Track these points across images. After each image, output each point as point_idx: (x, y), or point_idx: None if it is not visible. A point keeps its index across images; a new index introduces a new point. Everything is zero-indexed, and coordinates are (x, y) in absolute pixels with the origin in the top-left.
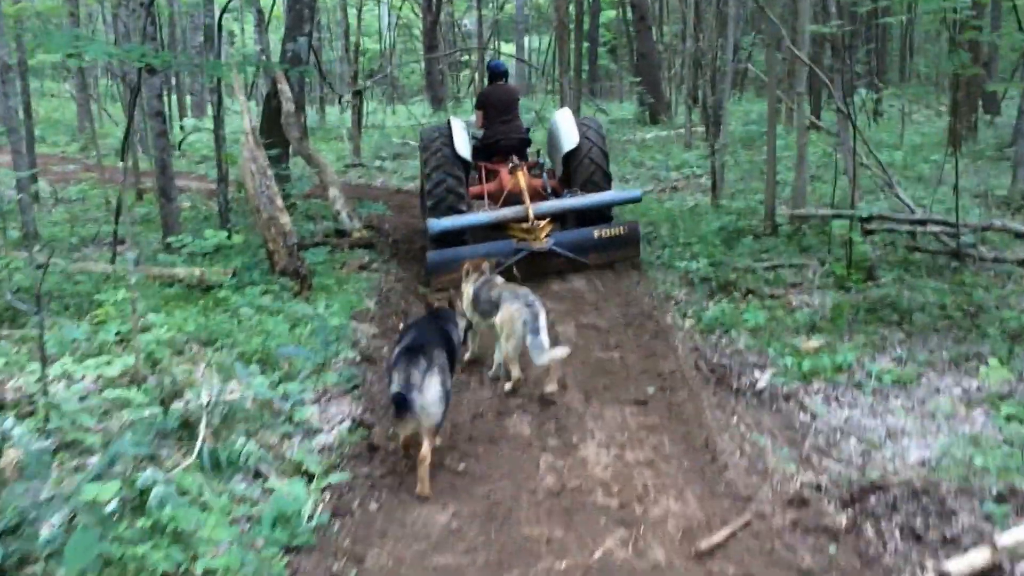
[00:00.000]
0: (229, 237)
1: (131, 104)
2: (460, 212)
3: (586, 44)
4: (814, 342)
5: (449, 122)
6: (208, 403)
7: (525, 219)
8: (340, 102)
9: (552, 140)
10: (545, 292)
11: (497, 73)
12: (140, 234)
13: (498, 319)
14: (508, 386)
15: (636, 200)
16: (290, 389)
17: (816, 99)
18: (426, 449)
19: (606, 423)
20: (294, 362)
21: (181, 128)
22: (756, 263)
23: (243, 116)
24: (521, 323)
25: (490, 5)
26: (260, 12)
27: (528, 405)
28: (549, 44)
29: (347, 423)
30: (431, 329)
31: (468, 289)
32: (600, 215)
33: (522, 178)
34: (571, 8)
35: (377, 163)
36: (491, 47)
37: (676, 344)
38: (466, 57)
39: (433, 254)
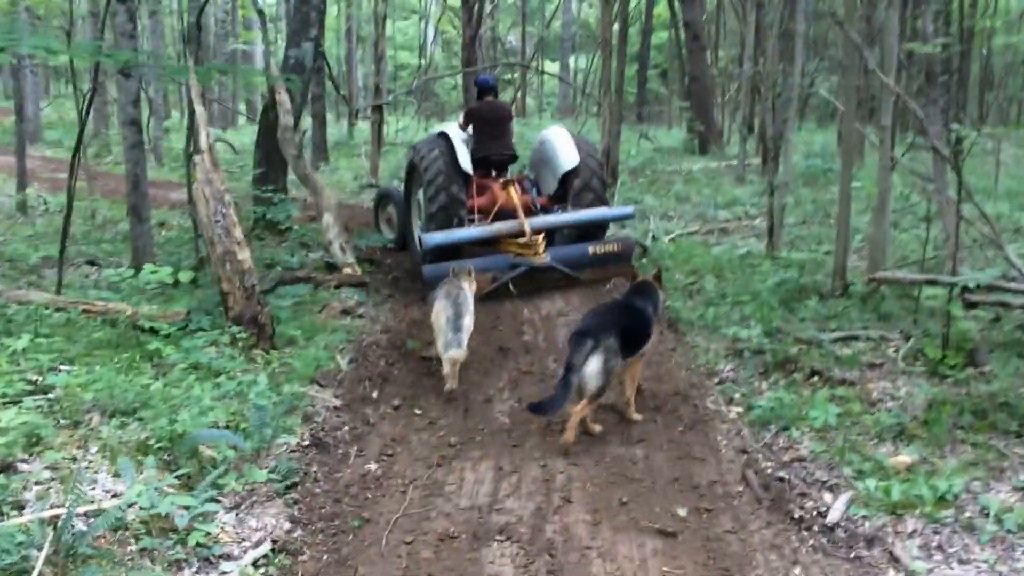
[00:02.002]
0: (177, 272)
1: (86, 108)
2: (460, 225)
3: (636, 66)
4: (905, 456)
5: (446, 135)
6: (56, 522)
7: (520, 234)
8: (356, 117)
9: (545, 157)
10: (559, 354)
11: (486, 88)
12: (111, 256)
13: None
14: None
15: (629, 217)
16: (197, 493)
17: (892, 133)
18: (581, 406)
19: (618, 565)
20: (217, 449)
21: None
22: (823, 333)
23: (199, 129)
24: (444, 319)
25: (536, 22)
26: (260, 13)
27: (515, 527)
28: (591, 64)
29: (266, 545)
30: (620, 309)
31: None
32: (594, 232)
33: (515, 193)
34: (616, 27)
35: (396, 183)
36: (534, 64)
37: (718, 441)
38: (508, 75)
39: (429, 268)
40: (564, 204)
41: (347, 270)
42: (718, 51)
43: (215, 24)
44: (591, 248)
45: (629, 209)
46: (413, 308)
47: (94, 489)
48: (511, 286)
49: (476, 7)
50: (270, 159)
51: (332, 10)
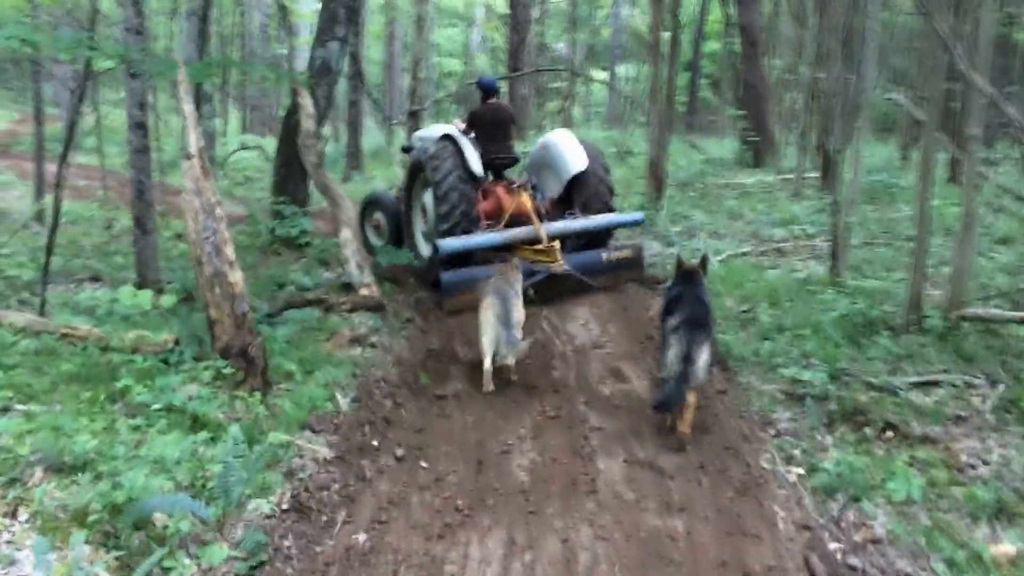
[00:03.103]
0: (161, 293)
1: (73, 107)
2: (470, 232)
3: (687, 74)
4: (1006, 546)
5: (452, 136)
6: None
7: (535, 240)
8: (390, 124)
9: (549, 161)
10: (592, 395)
11: (490, 90)
12: (121, 269)
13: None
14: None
15: (639, 223)
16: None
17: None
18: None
19: None
20: (172, 518)
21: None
22: (896, 377)
23: (188, 132)
24: (493, 315)
25: (585, 29)
26: (282, 9)
27: None
28: (640, 71)
29: None
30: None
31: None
32: (601, 238)
33: (527, 199)
34: (666, 35)
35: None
36: (583, 73)
37: (775, 513)
38: (555, 84)
39: (447, 275)
40: (567, 209)
41: (364, 291)
42: (775, 58)
43: (258, 28)
44: (605, 254)
45: (640, 215)
46: (432, 335)
47: (9, 574)
48: (531, 292)
49: (523, 14)
50: (290, 167)
51: (378, 18)
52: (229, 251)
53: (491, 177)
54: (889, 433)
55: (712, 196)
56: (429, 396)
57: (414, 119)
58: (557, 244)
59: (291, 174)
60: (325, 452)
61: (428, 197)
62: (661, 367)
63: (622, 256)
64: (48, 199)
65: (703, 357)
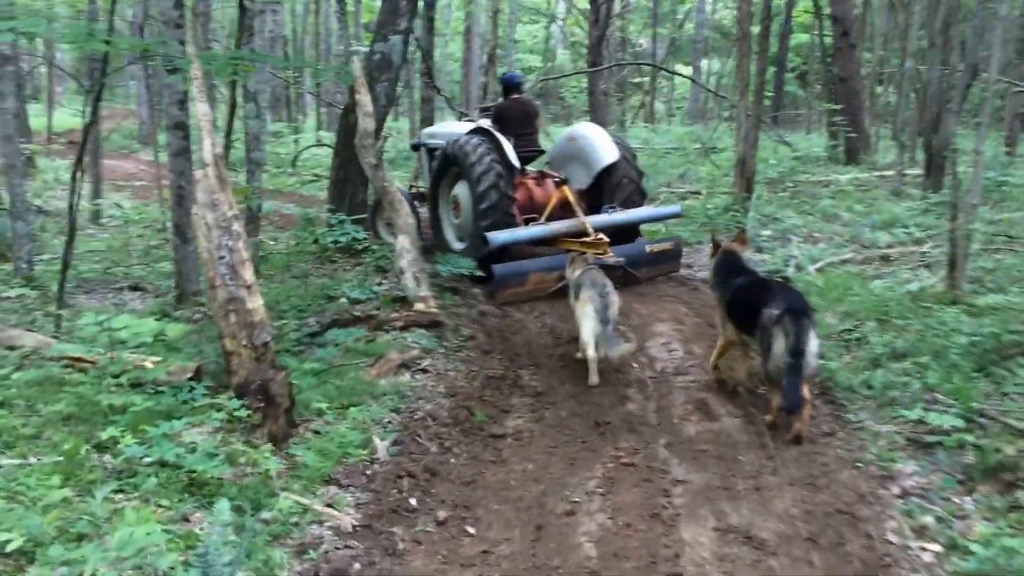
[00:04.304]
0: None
1: (93, 107)
2: (508, 225)
3: (772, 68)
4: None
5: (487, 130)
6: None
7: (581, 233)
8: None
9: (577, 153)
10: (674, 436)
11: (512, 85)
12: (168, 277)
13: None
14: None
15: (677, 215)
16: None
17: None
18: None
19: None
20: None
21: (296, 143)
22: None
23: (202, 137)
24: (591, 309)
25: (667, 24)
26: (341, 2)
27: None
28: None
29: None
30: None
31: (572, 276)
32: (631, 233)
33: (570, 193)
34: (754, 29)
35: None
36: (663, 67)
37: None
38: (637, 79)
39: (499, 267)
40: (594, 201)
41: (419, 305)
42: (868, 50)
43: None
44: (648, 247)
45: (678, 208)
46: (494, 357)
47: None
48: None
49: (603, 8)
50: (348, 169)
51: (458, 14)
52: (247, 273)
53: (555, 176)
54: None
55: (804, 195)
56: (484, 436)
57: (488, 115)
58: (605, 236)
59: (349, 176)
60: (349, 519)
61: (461, 191)
62: (767, 362)
63: (663, 248)
64: (120, 198)
65: (814, 347)
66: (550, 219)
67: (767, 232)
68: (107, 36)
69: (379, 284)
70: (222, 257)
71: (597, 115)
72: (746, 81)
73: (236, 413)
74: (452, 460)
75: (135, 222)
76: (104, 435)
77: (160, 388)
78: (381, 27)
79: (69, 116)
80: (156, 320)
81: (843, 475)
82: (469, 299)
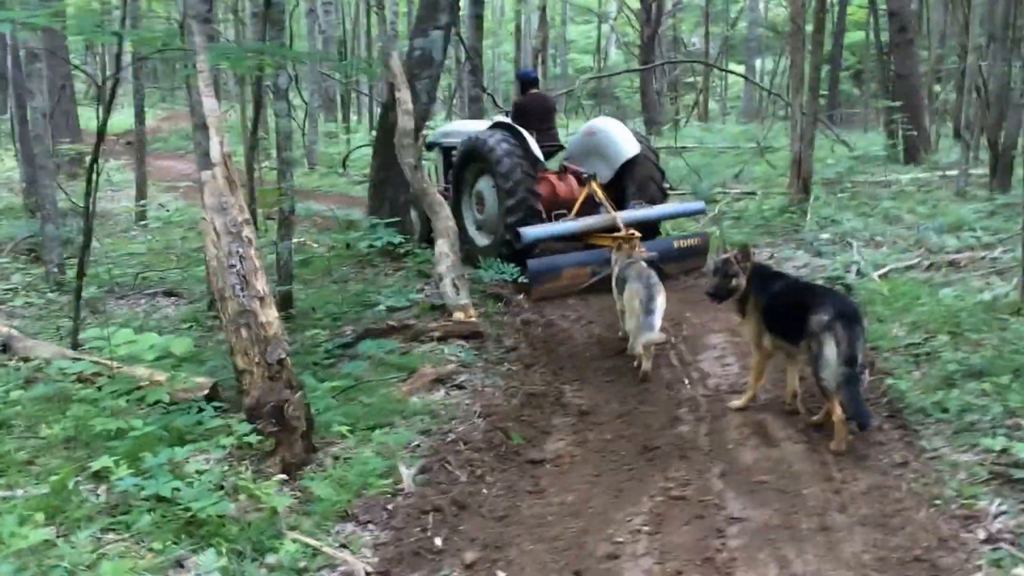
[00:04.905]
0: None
1: (106, 108)
2: (533, 220)
3: (826, 67)
4: None
5: (510, 125)
6: None
7: (612, 229)
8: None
9: (597, 147)
10: (730, 464)
11: (528, 81)
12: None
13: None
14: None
15: (700, 212)
16: None
17: None
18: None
19: None
20: None
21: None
22: None
23: (211, 134)
24: (638, 302)
25: (721, 23)
26: None
27: None
28: (779, 63)
29: None
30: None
31: (616, 269)
32: (652, 228)
33: (598, 188)
34: (807, 27)
35: None
36: (715, 64)
37: None
38: (690, 78)
39: (534, 263)
40: (615, 195)
41: (458, 314)
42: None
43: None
44: (676, 242)
45: (701, 204)
46: (536, 371)
47: None
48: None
49: (654, 6)
50: (388, 169)
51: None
52: (260, 283)
53: (582, 172)
54: None
55: (864, 196)
56: (520, 462)
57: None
58: (636, 233)
59: (389, 177)
60: (364, 564)
61: (485, 186)
62: (823, 371)
63: (691, 244)
64: (164, 199)
65: (862, 353)
66: (579, 215)
67: (826, 235)
68: (119, 29)
69: (419, 291)
70: (232, 266)
71: (650, 114)
72: (801, 78)
73: (246, 439)
74: (484, 491)
75: (178, 224)
76: (95, 465)
77: (174, 407)
78: (420, 22)
79: (132, 116)
80: (164, 334)
81: (920, 514)
82: (513, 306)
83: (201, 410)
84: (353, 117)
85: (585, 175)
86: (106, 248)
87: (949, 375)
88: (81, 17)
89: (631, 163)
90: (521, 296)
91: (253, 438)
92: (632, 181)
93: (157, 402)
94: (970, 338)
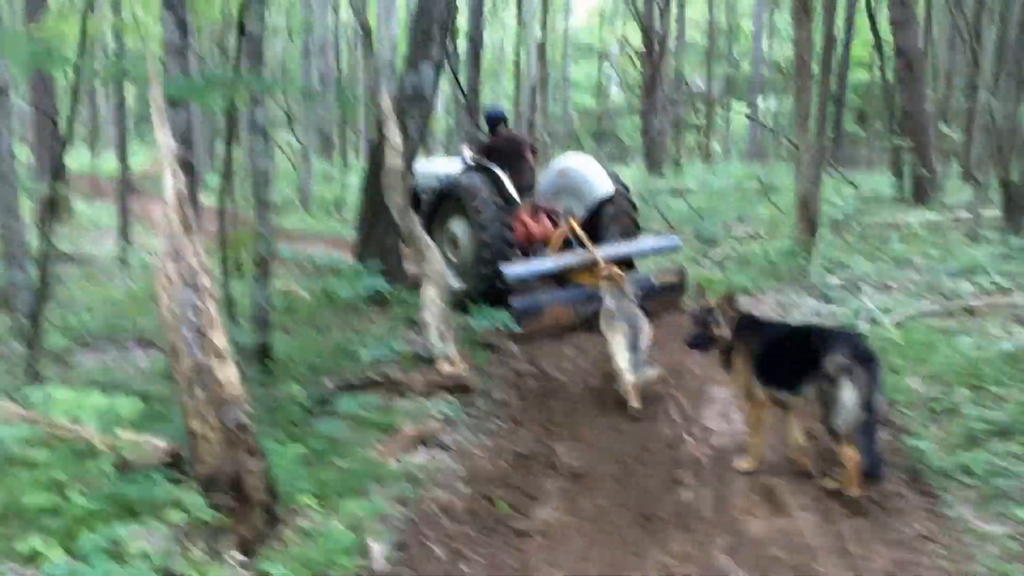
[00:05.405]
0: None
1: (63, 145)
2: (509, 259)
3: (831, 106)
4: None
5: (483, 165)
6: None
7: (592, 266)
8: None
9: (570, 186)
10: (736, 536)
11: (497, 119)
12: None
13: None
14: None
15: (675, 248)
16: None
17: None
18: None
19: None
20: None
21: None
22: None
23: (165, 172)
24: (621, 337)
25: (724, 62)
26: (364, 29)
27: None
28: (782, 103)
29: None
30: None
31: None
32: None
33: (577, 226)
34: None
35: None
36: (717, 101)
37: None
38: (694, 119)
39: (518, 301)
40: (588, 234)
41: (446, 367)
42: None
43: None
44: (655, 279)
45: (676, 240)
46: (526, 428)
47: None
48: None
49: (656, 45)
50: (376, 209)
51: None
52: (218, 337)
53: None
54: None
55: (873, 238)
56: (506, 534)
57: (533, 154)
58: (617, 270)
59: (379, 217)
60: None
61: (459, 227)
62: (836, 418)
63: (670, 281)
64: (138, 244)
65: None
66: (559, 253)
67: (834, 280)
68: (73, 59)
69: (406, 339)
70: (186, 319)
71: (652, 154)
72: (806, 115)
73: (194, 515)
74: (464, 568)
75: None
76: (21, 548)
77: (129, 475)
78: (412, 56)
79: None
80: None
81: None
82: (504, 356)
83: (150, 477)
84: (352, 157)
85: (563, 213)
86: (82, 294)
87: (973, 433)
88: (33, 45)
89: (605, 201)
90: (515, 346)
91: (207, 513)
92: (607, 218)
93: (111, 468)
94: (993, 392)
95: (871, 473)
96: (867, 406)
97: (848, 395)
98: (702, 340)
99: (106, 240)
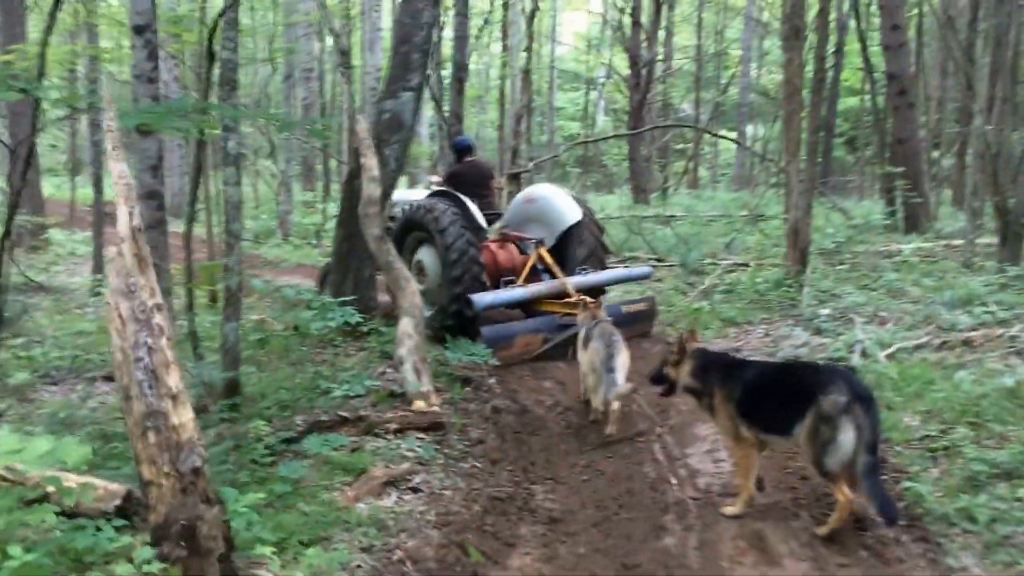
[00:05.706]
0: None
1: (21, 174)
2: (481, 289)
3: (820, 133)
4: None
5: (450, 193)
6: None
7: (561, 295)
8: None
9: (538, 214)
10: None
11: (464, 148)
12: None
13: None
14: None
15: (646, 277)
16: None
17: None
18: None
19: None
20: None
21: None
22: None
23: (120, 204)
24: (598, 362)
25: (712, 89)
26: (344, 56)
27: None
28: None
29: None
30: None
31: (581, 329)
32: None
33: (547, 255)
34: (805, 93)
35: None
36: (704, 128)
37: None
38: (680, 145)
39: (488, 330)
40: (575, 264)
41: (419, 403)
42: (927, 110)
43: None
44: (624, 308)
45: (648, 269)
46: (503, 468)
47: None
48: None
49: (644, 72)
50: (353, 240)
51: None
52: (172, 379)
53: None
54: None
55: (865, 268)
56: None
57: (516, 182)
58: (590, 299)
59: (354, 248)
60: None
61: (426, 255)
62: (830, 458)
63: (639, 309)
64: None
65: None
66: (527, 281)
67: (825, 311)
68: (32, 85)
69: (381, 374)
70: (139, 359)
71: (638, 181)
72: (797, 142)
73: (147, 568)
74: None
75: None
76: None
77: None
78: (391, 83)
79: (108, 187)
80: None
81: None
82: (482, 392)
83: (99, 529)
84: (334, 186)
85: (533, 241)
86: (52, 325)
87: (974, 475)
88: None
89: (574, 228)
90: (493, 380)
91: (155, 566)
92: (575, 246)
93: (56, 515)
94: (993, 430)
95: (887, 515)
96: (871, 448)
97: (848, 436)
98: (658, 378)
99: (81, 270)
